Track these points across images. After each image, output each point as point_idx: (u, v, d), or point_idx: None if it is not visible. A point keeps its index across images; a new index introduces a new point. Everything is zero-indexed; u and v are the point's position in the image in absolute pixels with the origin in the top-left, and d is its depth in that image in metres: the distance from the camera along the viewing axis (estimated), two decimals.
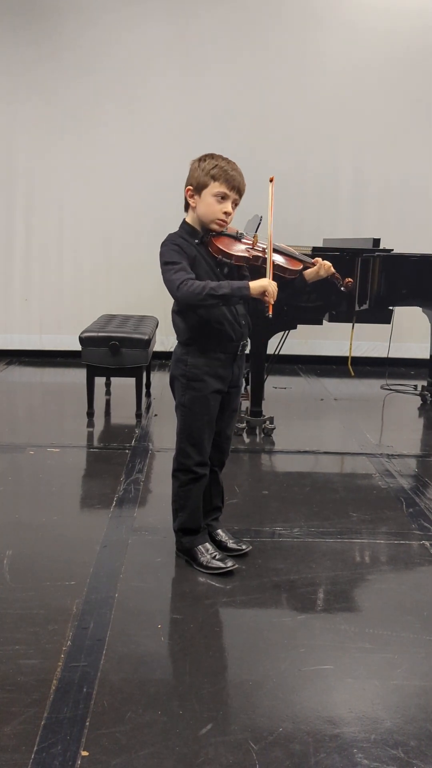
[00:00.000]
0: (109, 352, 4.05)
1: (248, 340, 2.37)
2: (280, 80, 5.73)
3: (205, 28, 5.66)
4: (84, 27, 5.65)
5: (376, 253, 4.06)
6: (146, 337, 4.10)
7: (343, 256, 3.91)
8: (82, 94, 5.72)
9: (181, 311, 2.24)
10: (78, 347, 4.14)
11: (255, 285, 2.11)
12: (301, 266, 2.34)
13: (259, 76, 5.72)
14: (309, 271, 2.33)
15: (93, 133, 5.77)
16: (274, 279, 2.19)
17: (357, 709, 1.66)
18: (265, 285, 2.10)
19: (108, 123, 5.75)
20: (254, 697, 1.69)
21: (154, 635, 1.93)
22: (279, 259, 2.28)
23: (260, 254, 2.22)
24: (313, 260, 2.36)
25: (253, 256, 2.22)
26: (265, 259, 2.21)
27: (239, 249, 2.21)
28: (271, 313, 2.13)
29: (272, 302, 2.11)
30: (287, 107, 5.74)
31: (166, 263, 2.15)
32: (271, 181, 2.22)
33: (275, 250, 2.29)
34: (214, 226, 2.18)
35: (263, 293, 2.10)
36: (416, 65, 5.74)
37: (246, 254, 2.21)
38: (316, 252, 3.82)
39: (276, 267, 2.24)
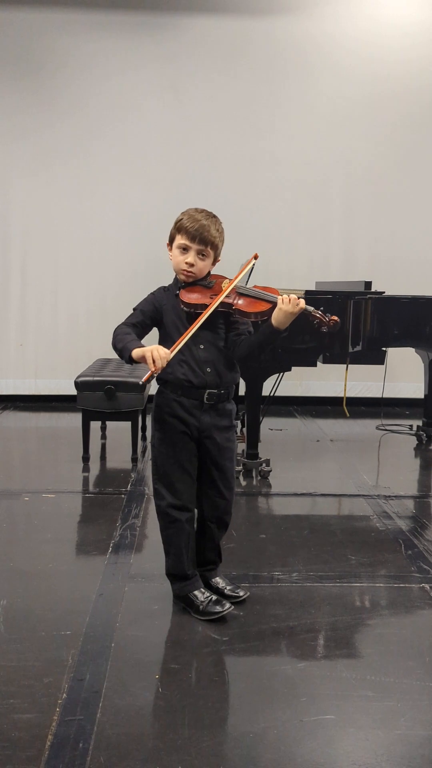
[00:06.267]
0: (105, 397, 4.05)
1: (226, 391, 2.27)
2: (272, 128, 5.88)
3: (198, 76, 5.83)
4: (78, 75, 5.81)
5: (368, 296, 4.11)
6: (141, 381, 4.10)
7: (335, 298, 3.96)
8: (76, 141, 5.85)
9: None
10: (73, 391, 4.15)
11: (138, 350, 2.08)
12: (269, 307, 2.19)
13: (251, 123, 5.87)
14: (273, 313, 2.16)
15: (88, 179, 5.88)
16: (240, 321, 2.21)
17: (360, 761, 1.61)
18: (145, 351, 2.05)
19: (102, 169, 5.87)
20: (255, 750, 1.64)
21: (151, 686, 1.89)
22: (241, 303, 2.21)
23: (227, 300, 2.19)
24: (279, 298, 2.15)
25: (216, 302, 2.16)
26: (231, 305, 2.18)
27: (203, 298, 2.19)
28: (145, 380, 2.07)
29: (153, 370, 2.03)
30: (278, 154, 5.88)
31: (133, 309, 2.27)
32: (255, 257, 2.28)
33: (242, 294, 2.24)
34: (182, 277, 2.25)
35: (143, 358, 2.05)
36: (402, 114, 5.90)
37: (207, 302, 2.17)
38: (309, 295, 3.87)
39: (238, 312, 2.20)
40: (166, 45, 5.79)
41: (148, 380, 2.10)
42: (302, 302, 2.17)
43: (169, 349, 2.09)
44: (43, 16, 5.72)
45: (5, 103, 5.82)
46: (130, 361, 2.12)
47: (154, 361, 2.03)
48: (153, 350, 2.05)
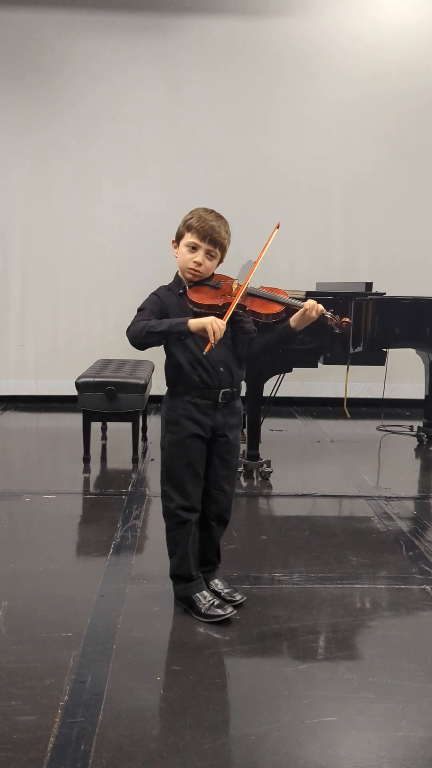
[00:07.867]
0: (106, 397, 4.05)
1: (237, 389, 2.31)
2: (272, 128, 5.88)
3: (197, 76, 5.82)
4: (77, 74, 5.79)
5: (369, 297, 4.11)
6: (142, 382, 4.11)
7: (336, 299, 3.96)
8: (76, 140, 5.85)
9: (166, 356, 2.29)
10: (73, 392, 4.15)
11: (195, 321, 2.09)
12: (282, 309, 2.23)
13: (251, 123, 5.86)
14: (294, 316, 2.18)
15: (88, 178, 5.88)
16: (244, 320, 2.22)
17: (362, 763, 1.61)
18: (205, 322, 2.06)
19: (103, 168, 5.87)
20: (257, 752, 1.64)
21: (153, 688, 1.89)
22: (254, 304, 2.23)
23: (242, 302, 2.19)
24: (304, 303, 2.17)
25: (224, 303, 2.18)
26: (245, 306, 2.20)
27: (213, 299, 2.20)
28: (207, 350, 2.08)
29: (213, 341, 2.05)
30: (278, 155, 5.87)
31: (138, 310, 2.24)
32: (277, 227, 2.28)
33: (251, 294, 2.25)
34: (188, 275, 2.25)
35: (203, 330, 2.07)
36: (403, 114, 5.90)
37: (218, 302, 2.19)
38: (310, 296, 3.86)
39: (251, 313, 2.22)
40: (166, 45, 5.79)
41: (210, 350, 2.10)
42: (321, 307, 2.19)
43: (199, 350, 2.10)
44: (43, 16, 5.71)
45: (5, 100, 5.81)
46: (184, 335, 2.12)
47: (214, 333, 2.05)
48: (212, 322, 2.06)
